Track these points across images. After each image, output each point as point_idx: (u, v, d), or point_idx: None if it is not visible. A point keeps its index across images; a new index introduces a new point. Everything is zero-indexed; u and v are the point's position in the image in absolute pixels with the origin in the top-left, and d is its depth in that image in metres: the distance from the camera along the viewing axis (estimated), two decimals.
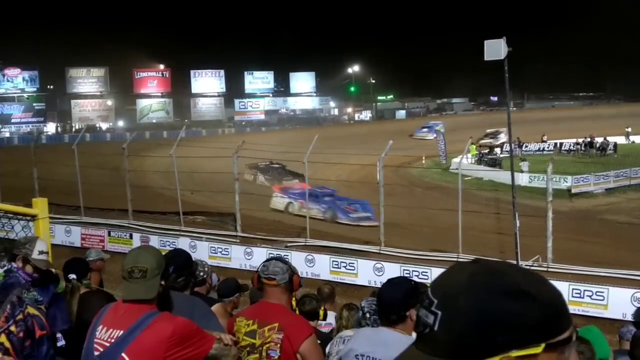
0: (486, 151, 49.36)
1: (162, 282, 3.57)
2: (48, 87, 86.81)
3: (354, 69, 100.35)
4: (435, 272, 16.87)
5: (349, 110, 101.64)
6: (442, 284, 1.32)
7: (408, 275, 16.47)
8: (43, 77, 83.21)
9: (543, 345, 1.27)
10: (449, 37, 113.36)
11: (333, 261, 19.04)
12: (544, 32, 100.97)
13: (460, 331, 1.25)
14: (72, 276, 5.45)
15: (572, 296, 15.81)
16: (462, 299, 1.27)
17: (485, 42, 16.30)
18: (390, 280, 4.02)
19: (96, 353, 3.41)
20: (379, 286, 15.87)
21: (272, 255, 7.19)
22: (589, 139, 54.51)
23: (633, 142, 58.39)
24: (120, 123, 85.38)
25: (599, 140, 54.05)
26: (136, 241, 21.33)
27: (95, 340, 3.43)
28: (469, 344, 1.25)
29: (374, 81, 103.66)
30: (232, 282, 7.27)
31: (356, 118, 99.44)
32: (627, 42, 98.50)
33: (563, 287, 15.86)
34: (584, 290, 15.78)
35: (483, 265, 1.34)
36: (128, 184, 23.75)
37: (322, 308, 6.56)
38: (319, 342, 4.55)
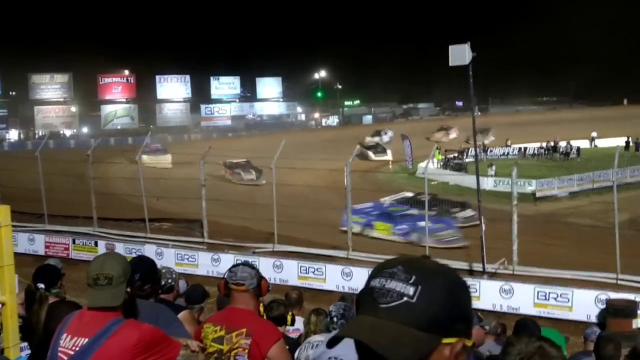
0: (452, 156, 49.71)
1: (128, 289, 3.53)
2: (10, 93, 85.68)
3: (321, 74, 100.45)
4: None
5: (316, 115, 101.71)
6: (414, 265, 1.44)
7: None
8: (5, 83, 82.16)
9: (473, 340, 1.48)
10: (415, 43, 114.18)
11: (301, 266, 19.03)
12: (508, 37, 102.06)
13: (438, 306, 1.40)
14: (40, 285, 5.34)
15: (538, 298, 15.97)
16: (440, 280, 1.43)
17: (450, 47, 16.47)
18: None
19: None
20: (347, 291, 15.81)
21: (239, 261, 7.16)
22: (552, 144, 55.16)
23: (596, 146, 59.21)
24: (85, 129, 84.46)
25: (562, 144, 54.70)
26: (101, 249, 21.10)
27: (60, 348, 3.38)
28: (440, 320, 1.40)
29: (340, 86, 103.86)
30: (201, 289, 7.31)
31: (323, 123, 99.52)
32: (589, 47, 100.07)
33: (528, 289, 16.03)
34: (549, 293, 15.95)
35: (443, 264, 1.50)
36: (93, 191, 23.51)
37: (290, 313, 6.54)
38: (287, 347, 4.53)
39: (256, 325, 4.29)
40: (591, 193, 34.36)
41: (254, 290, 4.38)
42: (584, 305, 15.48)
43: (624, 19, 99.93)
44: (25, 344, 5.01)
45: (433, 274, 1.42)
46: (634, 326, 14.19)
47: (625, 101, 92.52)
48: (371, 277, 1.46)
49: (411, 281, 1.39)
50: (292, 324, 6.59)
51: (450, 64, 16.50)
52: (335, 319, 4.75)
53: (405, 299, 1.38)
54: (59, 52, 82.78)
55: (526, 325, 6.98)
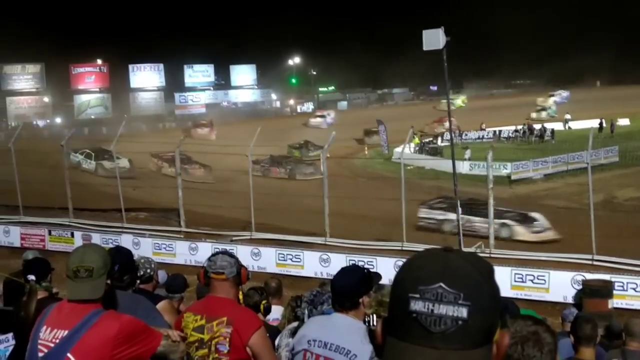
0: (427, 140, 49.85)
1: (108, 281, 3.51)
2: None
3: (295, 60, 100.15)
4: (381, 261, 17.00)
5: (291, 102, 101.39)
6: (456, 276, 1.31)
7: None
8: None
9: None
10: (389, 27, 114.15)
11: (279, 254, 19.05)
12: (482, 21, 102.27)
13: (490, 316, 1.32)
14: (31, 277, 5.28)
15: (515, 281, 16.13)
16: (485, 286, 1.33)
17: (424, 32, 16.46)
18: (344, 268, 4.06)
19: (40, 354, 3.33)
20: (326, 277, 15.83)
21: (218, 249, 7.14)
22: (527, 126, 55.45)
23: (570, 128, 59.62)
24: (58, 120, 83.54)
25: (536, 127, 55.00)
26: (78, 239, 20.97)
27: (40, 341, 3.36)
28: (494, 326, 1.34)
29: (315, 73, 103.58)
30: (182, 279, 7.32)
31: (298, 110, 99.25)
32: (562, 30, 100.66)
33: (505, 272, 16.17)
34: (526, 275, 16.11)
35: (466, 252, 1.39)
36: (68, 182, 23.32)
37: (264, 302, 6.53)
38: (268, 335, 4.53)
39: (237, 313, 4.28)
40: (566, 175, 34.68)
41: (234, 278, 4.37)
42: (561, 286, 15.66)
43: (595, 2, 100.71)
44: (8, 335, 4.98)
45: (477, 282, 1.32)
46: (609, 306, 14.36)
47: (598, 83, 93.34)
48: (408, 295, 1.32)
49: (461, 301, 1.28)
50: (265, 313, 6.58)
51: (424, 49, 16.52)
52: (304, 304, 4.78)
53: (460, 322, 1.28)
54: (30, 43, 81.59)
55: (506, 306, 6.97)
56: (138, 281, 5.40)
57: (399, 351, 1.32)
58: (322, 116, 72.02)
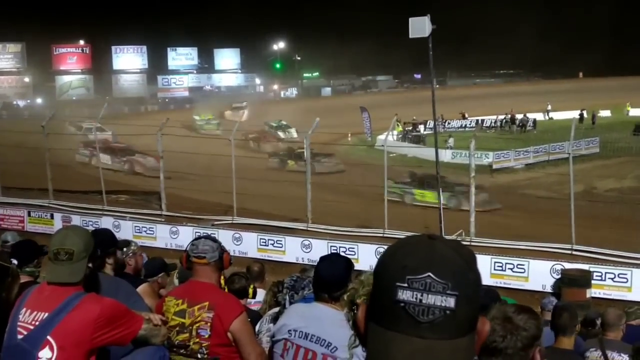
0: (410, 128, 49.87)
1: (90, 265, 3.48)
2: None
3: (280, 45, 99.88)
4: (363, 248, 17.03)
5: (275, 87, 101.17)
6: (444, 265, 1.30)
7: (336, 251, 16.58)
8: None
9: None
10: (374, 15, 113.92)
11: (260, 239, 19.05)
12: (466, 9, 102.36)
13: (475, 304, 1.32)
14: (14, 261, 5.17)
15: (495, 269, 16.23)
16: (470, 274, 1.34)
17: (410, 19, 16.47)
18: (327, 258, 4.01)
19: (19, 337, 3.30)
20: (307, 263, 15.77)
21: (199, 234, 7.13)
22: (509, 116, 55.68)
23: (551, 118, 59.95)
24: (39, 100, 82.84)
25: (518, 116, 55.25)
26: (57, 221, 20.84)
27: (19, 323, 3.32)
28: (477, 314, 1.34)
29: (299, 58, 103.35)
30: (157, 262, 7.26)
31: (282, 95, 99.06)
32: (546, 20, 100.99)
33: (485, 260, 16.27)
34: (506, 263, 16.22)
35: (450, 240, 1.40)
36: (48, 163, 23.15)
37: (252, 286, 6.54)
38: (249, 320, 4.53)
39: (218, 298, 4.27)
40: (547, 165, 34.89)
41: (216, 263, 4.35)
42: (540, 275, 15.80)
43: None
44: None
45: (463, 271, 1.32)
46: (587, 295, 14.54)
47: (580, 74, 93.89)
48: (395, 284, 1.30)
49: (449, 290, 1.28)
50: (254, 296, 6.60)
51: (410, 36, 16.52)
52: (285, 291, 4.78)
53: (448, 312, 1.27)
54: (11, 21, 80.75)
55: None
56: (111, 264, 5.29)
57: (385, 340, 1.31)
58: None
